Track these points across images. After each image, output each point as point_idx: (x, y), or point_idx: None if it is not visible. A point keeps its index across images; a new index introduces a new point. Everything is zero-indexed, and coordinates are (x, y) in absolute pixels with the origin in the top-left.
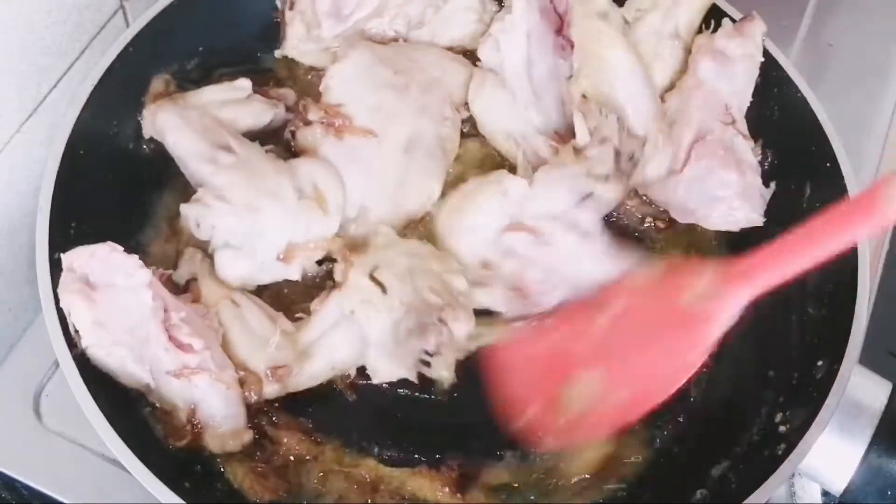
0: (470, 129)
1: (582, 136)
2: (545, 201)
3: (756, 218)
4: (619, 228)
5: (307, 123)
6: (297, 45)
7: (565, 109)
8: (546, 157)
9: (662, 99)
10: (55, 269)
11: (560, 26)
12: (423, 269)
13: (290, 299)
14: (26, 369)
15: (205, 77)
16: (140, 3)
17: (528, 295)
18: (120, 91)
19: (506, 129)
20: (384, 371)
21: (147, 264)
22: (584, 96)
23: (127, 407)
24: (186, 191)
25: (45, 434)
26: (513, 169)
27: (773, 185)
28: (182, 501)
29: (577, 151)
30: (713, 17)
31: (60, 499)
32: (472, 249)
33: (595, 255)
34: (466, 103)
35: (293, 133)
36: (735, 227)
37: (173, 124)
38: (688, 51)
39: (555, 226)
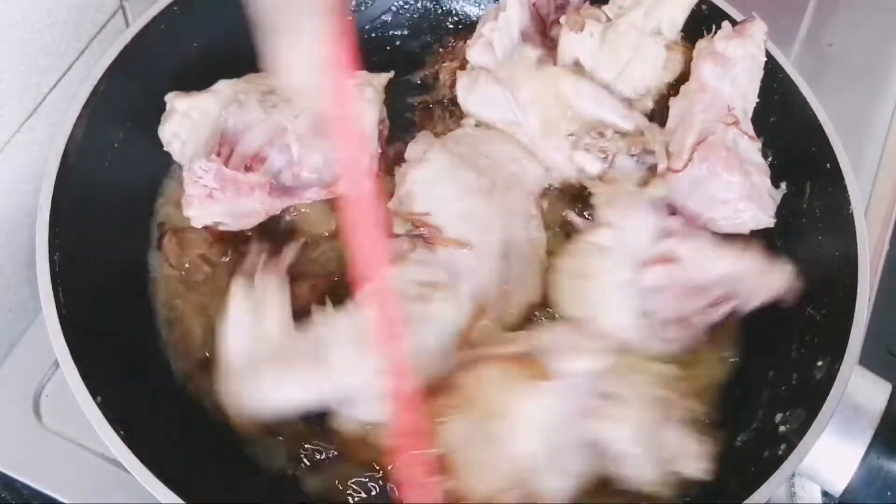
0: None
1: (593, 167)
2: (643, 228)
3: (766, 219)
4: None
5: (393, 237)
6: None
7: None
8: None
9: (667, 103)
10: (55, 269)
11: (544, 28)
12: None
13: None
14: (26, 369)
15: (206, 78)
16: (140, 3)
17: (691, 322)
18: (120, 91)
19: (504, 120)
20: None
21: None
22: (571, 135)
23: (127, 406)
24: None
25: (45, 434)
26: None
27: (783, 185)
28: (182, 501)
29: (603, 180)
30: (714, 20)
31: (60, 499)
32: (623, 313)
33: (715, 250)
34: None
35: None
36: (744, 230)
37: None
38: (670, 48)
39: (671, 243)
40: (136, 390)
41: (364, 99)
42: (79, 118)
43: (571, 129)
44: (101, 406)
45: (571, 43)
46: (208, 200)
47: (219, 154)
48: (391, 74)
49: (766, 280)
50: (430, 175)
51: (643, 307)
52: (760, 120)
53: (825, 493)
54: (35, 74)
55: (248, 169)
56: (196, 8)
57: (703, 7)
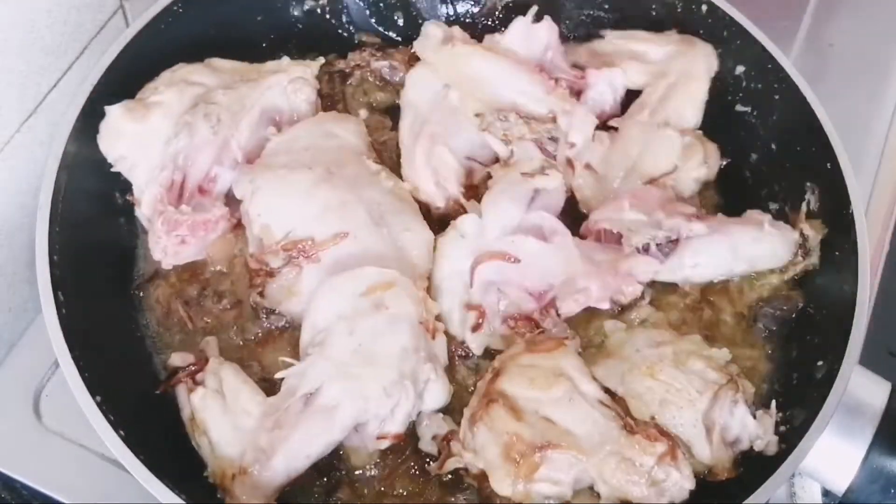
0: None
1: (501, 149)
2: (498, 221)
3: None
4: None
5: (272, 275)
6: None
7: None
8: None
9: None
10: (55, 269)
11: None
12: None
13: None
14: (26, 369)
15: None
16: (140, 3)
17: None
18: (120, 91)
19: None
20: None
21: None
22: (477, 115)
23: (127, 406)
24: None
25: (45, 434)
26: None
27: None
28: (182, 501)
29: (505, 164)
30: (714, 19)
31: (60, 499)
32: (453, 299)
33: (567, 250)
34: (375, 148)
35: (261, 293)
36: None
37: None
38: (687, 135)
39: (517, 238)
40: (135, 390)
41: (297, 89)
42: (79, 118)
43: (477, 108)
44: (100, 406)
45: (583, 149)
46: (181, 246)
47: (172, 183)
48: (322, 60)
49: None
50: (269, 198)
51: (472, 298)
52: (761, 120)
53: (825, 494)
54: (35, 74)
55: (202, 192)
56: (196, 8)
57: (703, 7)
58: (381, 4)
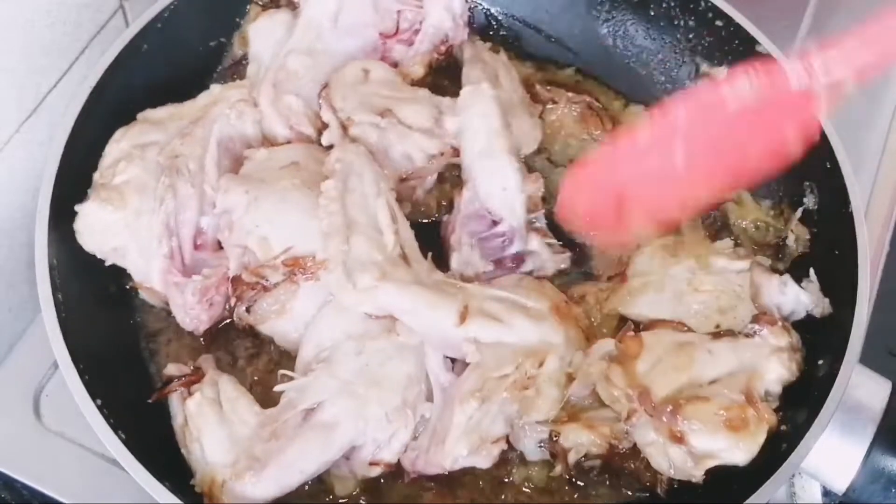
0: None
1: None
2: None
3: None
4: None
5: (267, 289)
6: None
7: None
8: None
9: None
10: (54, 271)
11: None
12: None
13: None
14: (26, 369)
15: (204, 77)
16: (140, 3)
17: None
18: (120, 91)
19: None
20: None
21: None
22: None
23: (127, 409)
24: None
25: (44, 434)
26: None
27: None
28: (180, 502)
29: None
30: (716, 17)
31: (60, 499)
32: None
33: None
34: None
35: (248, 309)
36: None
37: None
38: None
39: None
40: (135, 392)
41: (240, 113)
42: (78, 118)
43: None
44: (100, 409)
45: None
46: (212, 309)
47: (171, 251)
48: None
49: None
50: (268, 212)
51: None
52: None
53: (826, 494)
54: (35, 74)
55: (197, 248)
56: (195, 8)
57: (702, 3)
58: None
